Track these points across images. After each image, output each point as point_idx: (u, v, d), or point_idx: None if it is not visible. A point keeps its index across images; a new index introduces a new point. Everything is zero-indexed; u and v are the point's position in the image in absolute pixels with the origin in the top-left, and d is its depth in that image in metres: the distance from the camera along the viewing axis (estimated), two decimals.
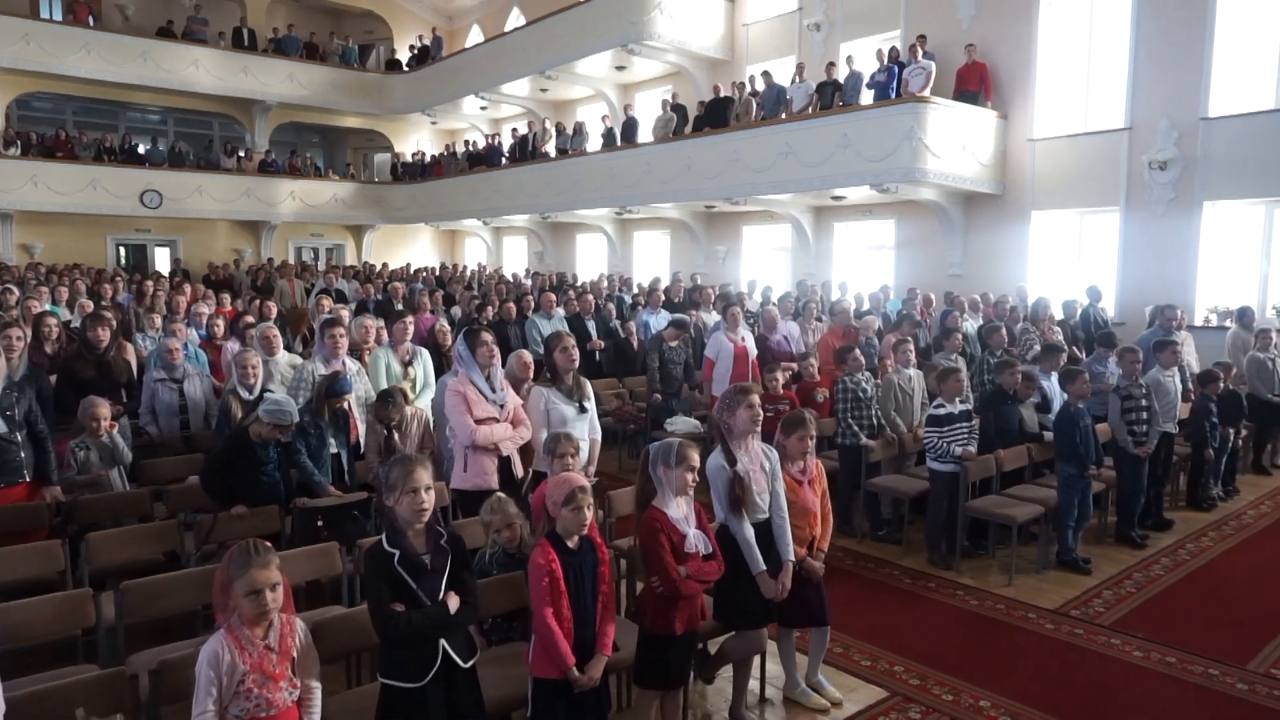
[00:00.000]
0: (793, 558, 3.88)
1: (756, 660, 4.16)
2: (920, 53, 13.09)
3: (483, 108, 23.32)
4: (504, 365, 5.06)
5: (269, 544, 2.59)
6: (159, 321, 8.57)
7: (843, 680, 4.38)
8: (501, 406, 4.77)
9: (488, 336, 4.80)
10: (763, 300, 11.82)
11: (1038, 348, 8.54)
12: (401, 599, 2.84)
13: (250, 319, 8.37)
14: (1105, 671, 4.53)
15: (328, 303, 9.56)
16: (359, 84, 23.92)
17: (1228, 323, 9.95)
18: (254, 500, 4.60)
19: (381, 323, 7.21)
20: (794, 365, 8.17)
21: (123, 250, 22.00)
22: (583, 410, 4.81)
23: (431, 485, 2.96)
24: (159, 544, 4.57)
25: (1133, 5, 11.99)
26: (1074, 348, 9.44)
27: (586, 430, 4.86)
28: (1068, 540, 6.04)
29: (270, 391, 5.39)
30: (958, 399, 6.13)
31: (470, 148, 23.33)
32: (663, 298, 10.96)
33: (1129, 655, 4.70)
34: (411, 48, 24.36)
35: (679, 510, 3.42)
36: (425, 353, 6.63)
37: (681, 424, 8.01)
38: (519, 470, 4.85)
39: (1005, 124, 13.29)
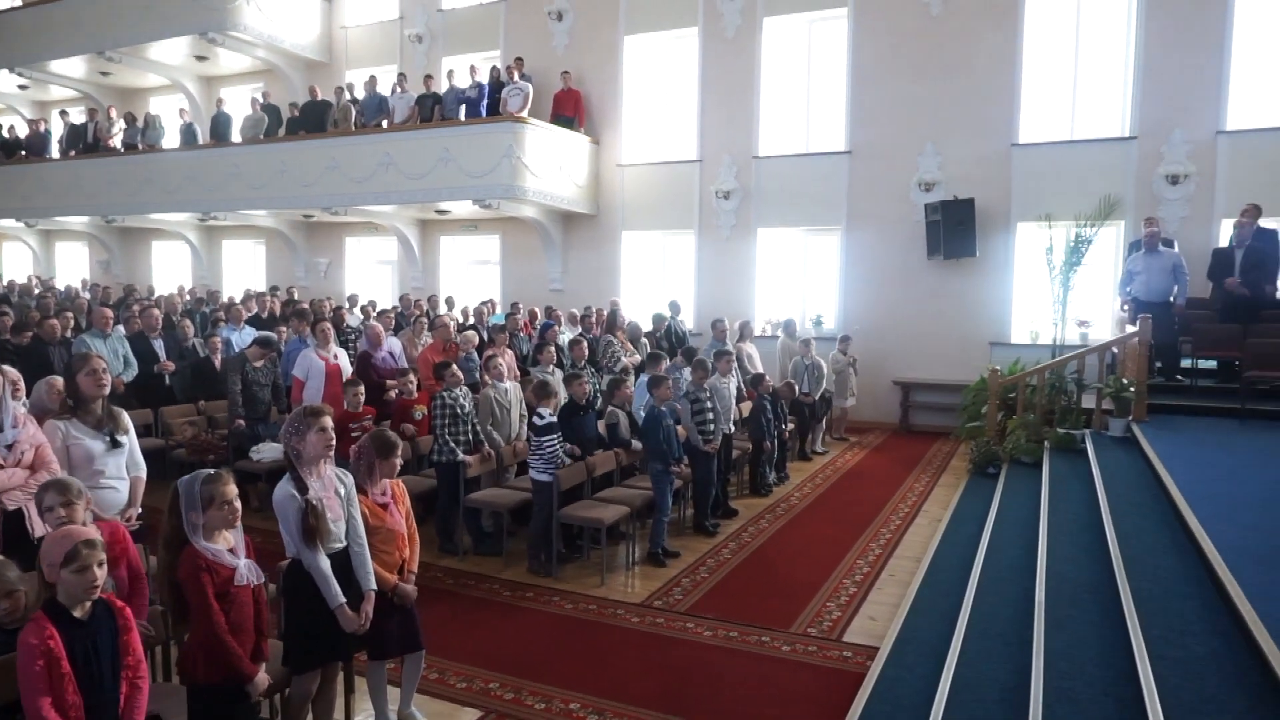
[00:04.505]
0: (374, 586, 3.66)
1: (340, 700, 3.86)
2: (518, 74, 13.52)
3: (23, 86, 19.51)
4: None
5: None
6: None
7: (436, 707, 4.24)
8: (10, 447, 3.88)
9: None
10: (364, 315, 11.30)
11: (623, 359, 9.19)
12: None
13: None
14: (681, 654, 4.92)
15: None
16: None
17: (778, 333, 11.63)
18: None
19: None
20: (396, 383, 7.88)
21: None
22: (116, 445, 4.09)
23: None
24: None
25: (699, 50, 13.54)
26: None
27: (123, 467, 4.16)
28: (661, 535, 6.53)
29: None
30: (550, 409, 6.35)
31: (8, 133, 19.36)
32: (246, 312, 9.95)
33: (701, 636, 5.17)
34: None
35: (223, 543, 3.08)
36: None
37: (269, 451, 7.33)
38: (37, 527, 3.98)
39: (598, 149, 14.24)
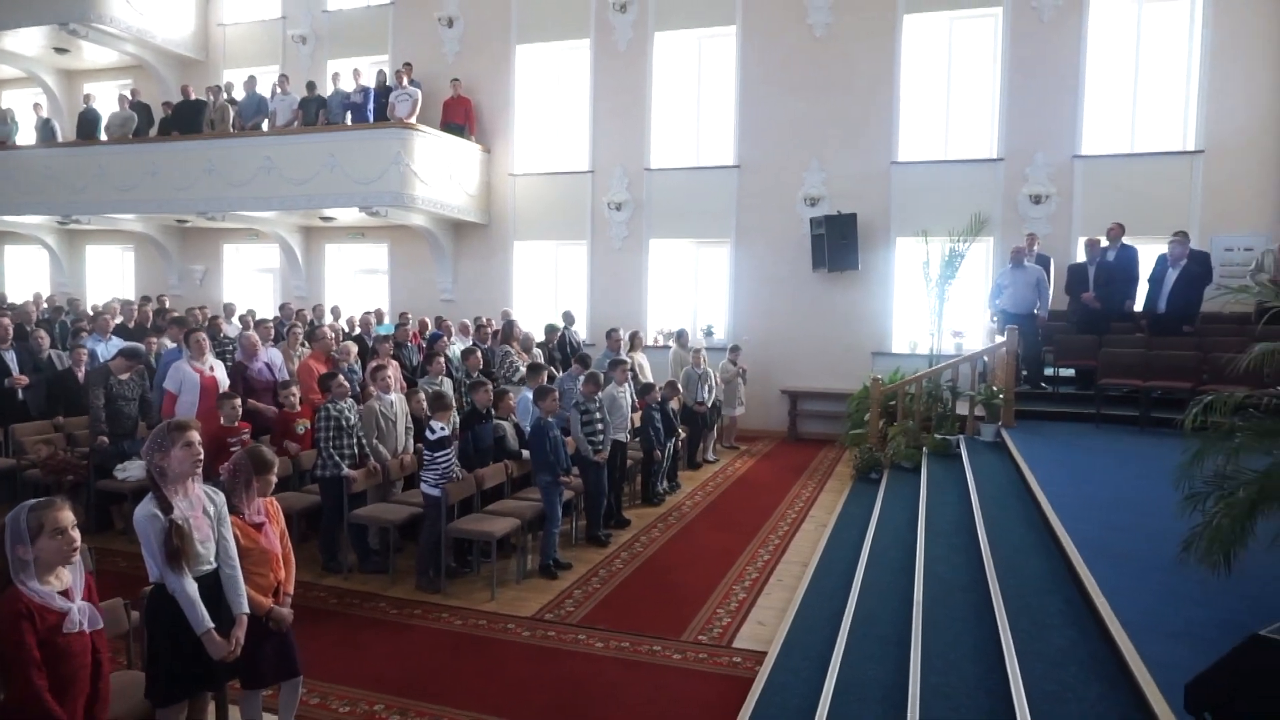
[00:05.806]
0: (247, 610, 3.48)
1: None
2: (406, 79, 13.25)
3: None
4: None
5: None
6: None
7: None
8: None
9: None
10: (242, 325, 10.79)
11: (521, 369, 9.11)
12: None
13: None
14: (573, 667, 4.88)
15: None
16: None
17: (670, 343, 11.76)
18: None
19: None
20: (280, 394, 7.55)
21: None
22: None
23: None
24: None
25: (591, 62, 13.59)
26: (553, 366, 10.30)
27: None
28: (552, 547, 6.47)
29: None
30: (444, 422, 6.23)
31: None
32: (113, 322, 9.35)
33: (593, 647, 5.15)
34: None
35: (56, 583, 2.80)
36: None
37: (135, 469, 6.90)
38: None
39: (489, 158, 14.09)
